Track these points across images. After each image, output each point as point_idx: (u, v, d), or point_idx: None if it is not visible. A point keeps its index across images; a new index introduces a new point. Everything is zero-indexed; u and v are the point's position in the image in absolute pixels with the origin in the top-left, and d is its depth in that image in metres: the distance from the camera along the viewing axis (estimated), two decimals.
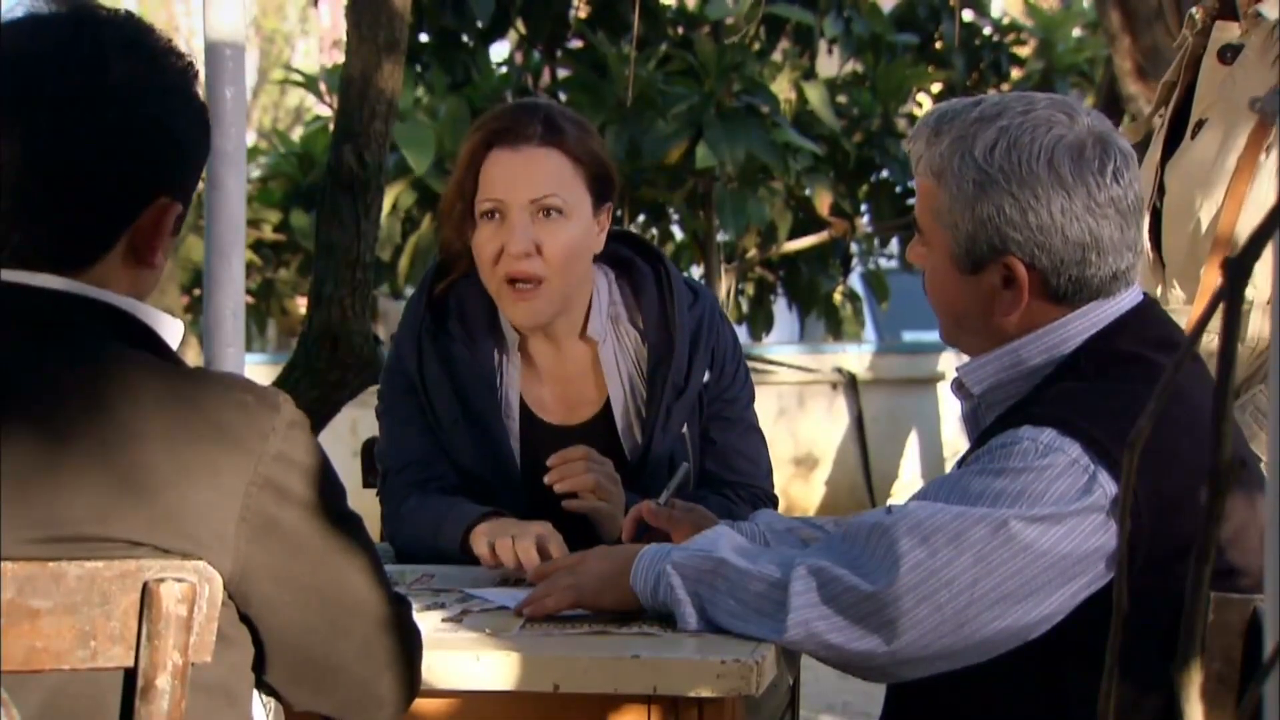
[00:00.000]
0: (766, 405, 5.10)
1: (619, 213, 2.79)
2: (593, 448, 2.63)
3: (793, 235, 8.93)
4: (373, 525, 2.05)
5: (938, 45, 9.84)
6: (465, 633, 2.09)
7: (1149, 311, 2.17)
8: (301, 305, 9.01)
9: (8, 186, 1.62)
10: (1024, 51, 10.23)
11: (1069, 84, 10.14)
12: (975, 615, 1.97)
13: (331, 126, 4.92)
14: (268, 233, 9.45)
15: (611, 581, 2.16)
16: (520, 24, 8.77)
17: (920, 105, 9.81)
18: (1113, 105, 7.69)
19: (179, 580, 1.56)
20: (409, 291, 7.45)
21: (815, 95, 8.62)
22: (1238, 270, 0.93)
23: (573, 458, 2.60)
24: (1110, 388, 2.05)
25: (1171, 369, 0.97)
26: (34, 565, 1.54)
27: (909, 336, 11.03)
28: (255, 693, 1.71)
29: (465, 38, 8.65)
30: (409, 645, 1.75)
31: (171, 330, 1.70)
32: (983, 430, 2.17)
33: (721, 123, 7.91)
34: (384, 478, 2.78)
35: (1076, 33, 10.58)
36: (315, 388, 4.22)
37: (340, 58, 4.99)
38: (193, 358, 4.99)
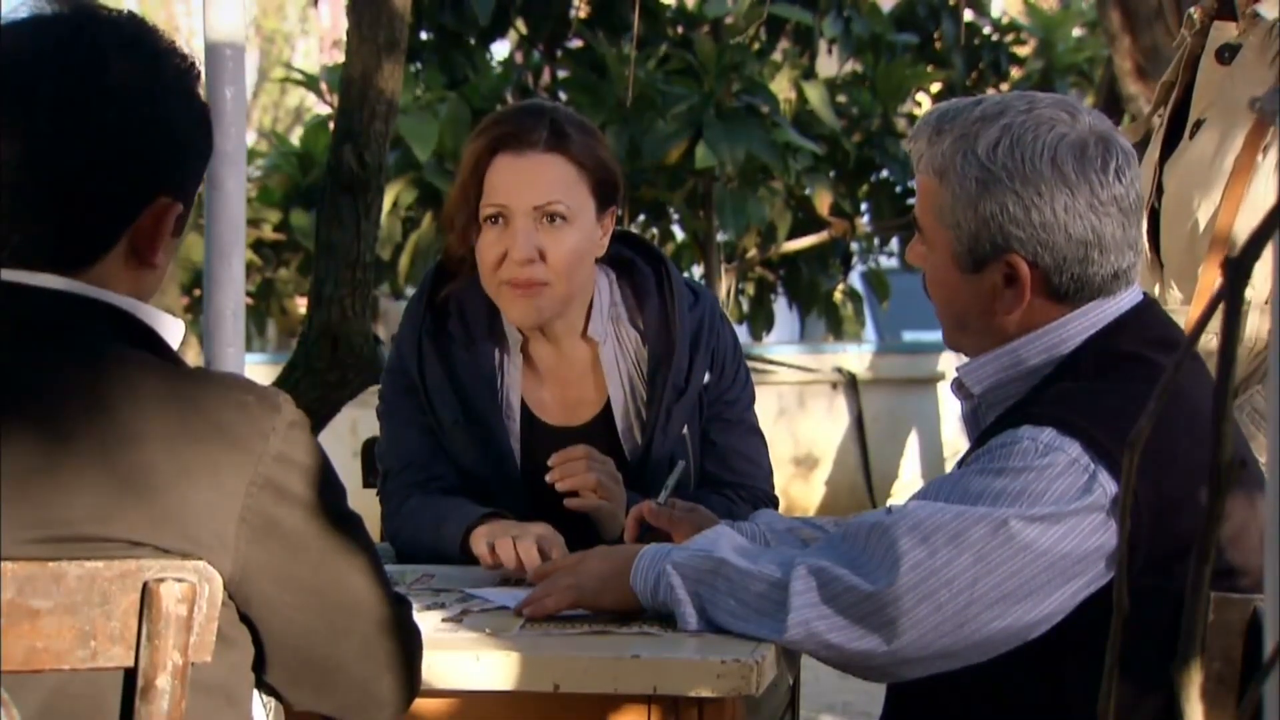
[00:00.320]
0: (766, 405, 5.10)
1: (619, 213, 2.79)
2: (593, 448, 2.63)
3: (793, 235, 8.93)
4: (373, 525, 2.05)
5: (937, 45, 9.84)
6: (465, 633, 2.09)
7: (1149, 311, 2.17)
8: (301, 305, 9.01)
9: (8, 186, 1.62)
10: (1024, 51, 10.24)
11: (1069, 84, 10.15)
12: (975, 615, 1.97)
13: (332, 126, 4.92)
14: (268, 232, 9.45)
15: (611, 581, 2.16)
16: (520, 24, 8.78)
17: (920, 105, 9.82)
18: (1113, 105, 7.69)
19: (179, 580, 1.56)
20: (409, 291, 7.47)
21: (815, 95, 8.62)
22: (1238, 270, 0.93)
23: (574, 457, 2.60)
24: (1110, 387, 2.05)
25: (1171, 369, 0.97)
26: (34, 565, 1.54)
27: (909, 336, 11.03)
28: (255, 693, 1.71)
29: (465, 37, 8.65)
30: (409, 645, 1.75)
31: (172, 330, 1.70)
32: (983, 430, 2.17)
33: (721, 123, 7.91)
34: (384, 478, 2.78)
35: (1076, 32, 10.58)
36: (315, 388, 4.22)
37: (340, 58, 5.00)
38: (193, 358, 4.98)
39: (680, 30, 8.94)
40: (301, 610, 1.65)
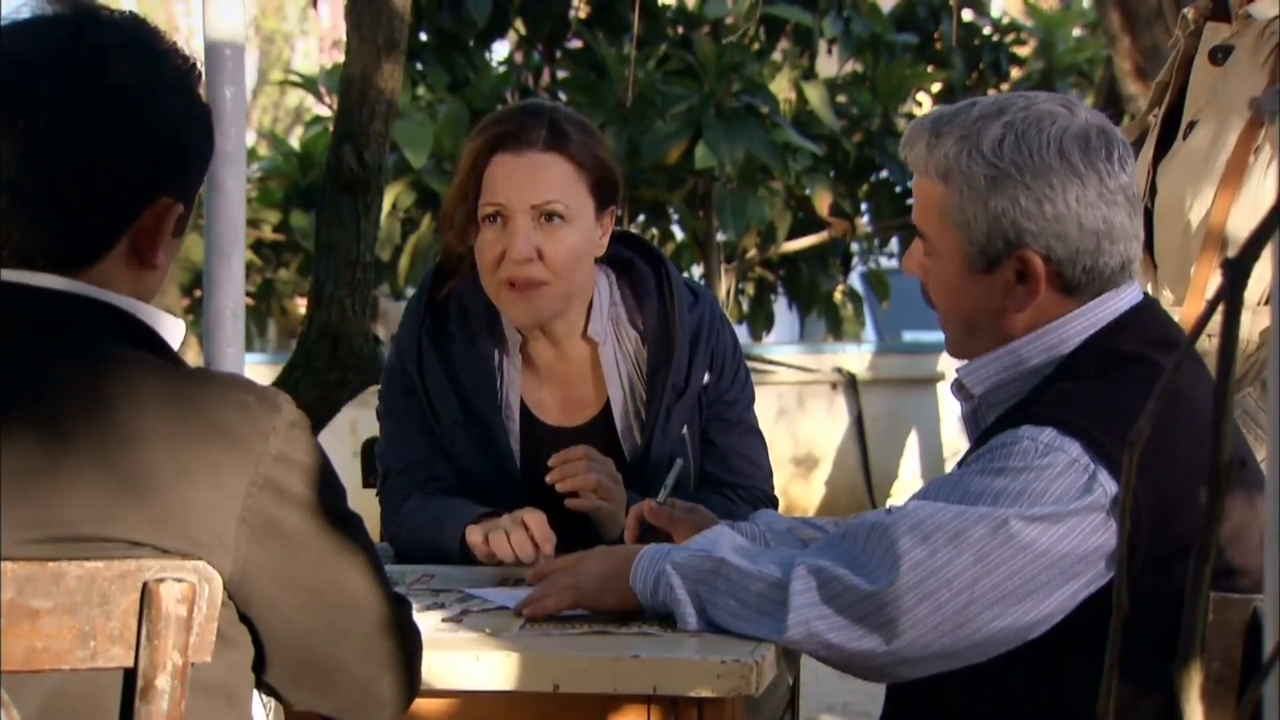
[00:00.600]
0: (766, 405, 5.11)
1: (619, 213, 2.79)
2: (593, 449, 2.63)
3: (792, 235, 8.93)
4: (373, 525, 2.05)
5: (937, 45, 9.84)
6: (465, 633, 2.09)
7: (1149, 311, 2.17)
8: (301, 305, 9.01)
9: (8, 185, 1.62)
10: (1024, 51, 10.24)
11: (1069, 84, 10.15)
12: (975, 615, 1.97)
13: (331, 127, 4.93)
14: (268, 233, 9.45)
15: (611, 581, 2.16)
16: (520, 24, 8.78)
17: (920, 105, 9.82)
18: (1113, 105, 7.69)
19: (179, 580, 1.56)
20: (409, 291, 7.47)
21: (815, 95, 8.63)
22: (1238, 270, 0.93)
23: (574, 457, 2.61)
24: (1110, 387, 2.05)
25: (1171, 369, 0.97)
26: (34, 565, 1.54)
27: (909, 336, 11.03)
28: (255, 693, 1.71)
29: (464, 38, 8.65)
30: (409, 645, 1.75)
31: (173, 330, 1.70)
32: (983, 430, 2.17)
33: (721, 123, 7.91)
34: (384, 478, 2.78)
35: (1076, 33, 10.58)
36: (315, 388, 4.22)
37: (340, 58, 5.00)
38: (193, 358, 4.99)
39: (680, 30, 8.94)
40: (301, 610, 1.65)
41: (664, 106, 7.97)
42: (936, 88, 9.78)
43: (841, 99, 9.12)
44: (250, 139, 13.13)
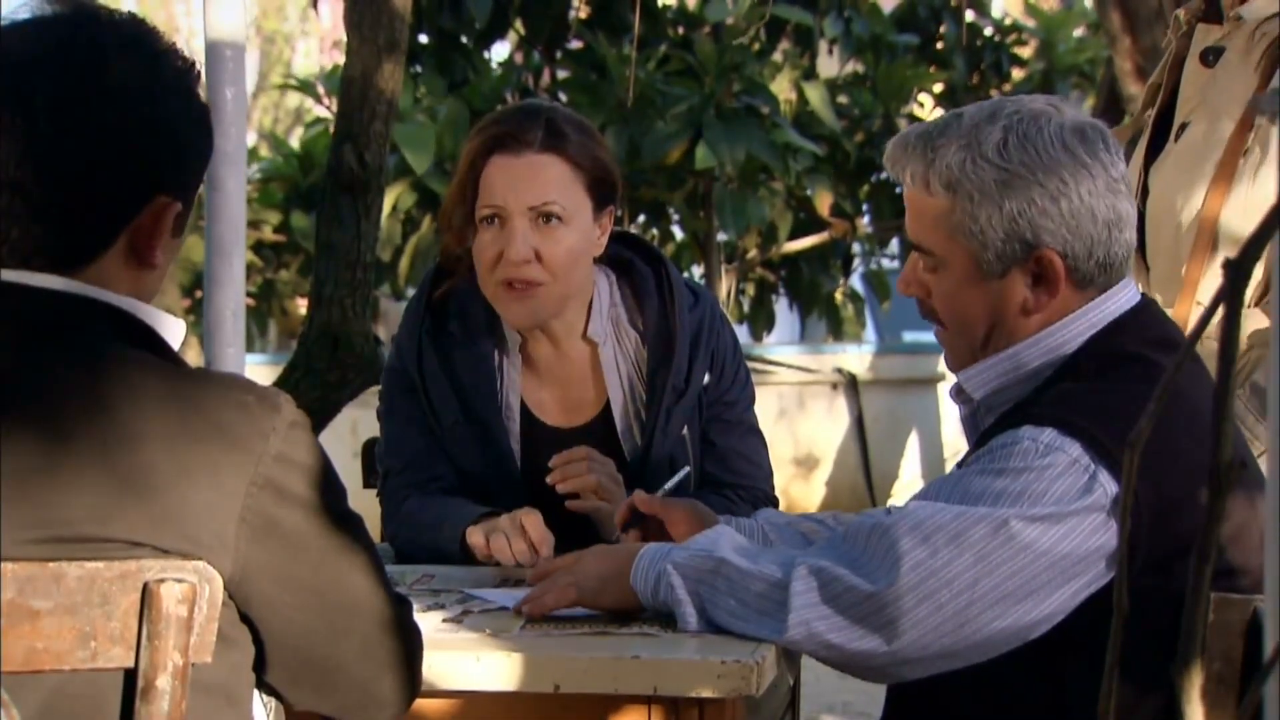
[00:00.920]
0: (767, 406, 5.11)
1: (619, 213, 2.79)
2: (594, 450, 2.63)
3: (793, 235, 8.93)
4: (373, 525, 2.05)
5: (939, 46, 9.84)
6: (466, 633, 2.09)
7: (1148, 311, 2.17)
8: (302, 306, 9.02)
9: (6, 184, 1.62)
10: (1025, 52, 10.23)
11: (1070, 84, 10.15)
12: (976, 615, 1.97)
13: (332, 128, 4.93)
14: (268, 233, 9.45)
15: (611, 581, 2.16)
16: (520, 25, 8.78)
17: (922, 105, 9.81)
18: (1113, 105, 7.70)
19: (179, 581, 1.56)
20: (409, 292, 7.47)
21: (815, 95, 8.62)
22: (1239, 271, 0.93)
23: (575, 458, 2.61)
24: (1110, 387, 2.05)
25: (1172, 369, 0.97)
26: (34, 566, 1.54)
27: (909, 337, 11.03)
28: (256, 693, 1.71)
29: (464, 39, 8.65)
30: (410, 646, 1.75)
31: (173, 330, 1.69)
32: (982, 431, 2.17)
33: (721, 123, 7.91)
34: (384, 478, 2.79)
35: (1078, 33, 10.58)
36: (316, 388, 4.22)
37: (340, 58, 5.00)
38: (193, 358, 4.98)
39: (680, 31, 8.94)
40: (302, 610, 1.65)
41: (664, 107, 7.96)
42: (938, 88, 9.78)
43: (842, 99, 9.12)
44: (251, 139, 13.14)
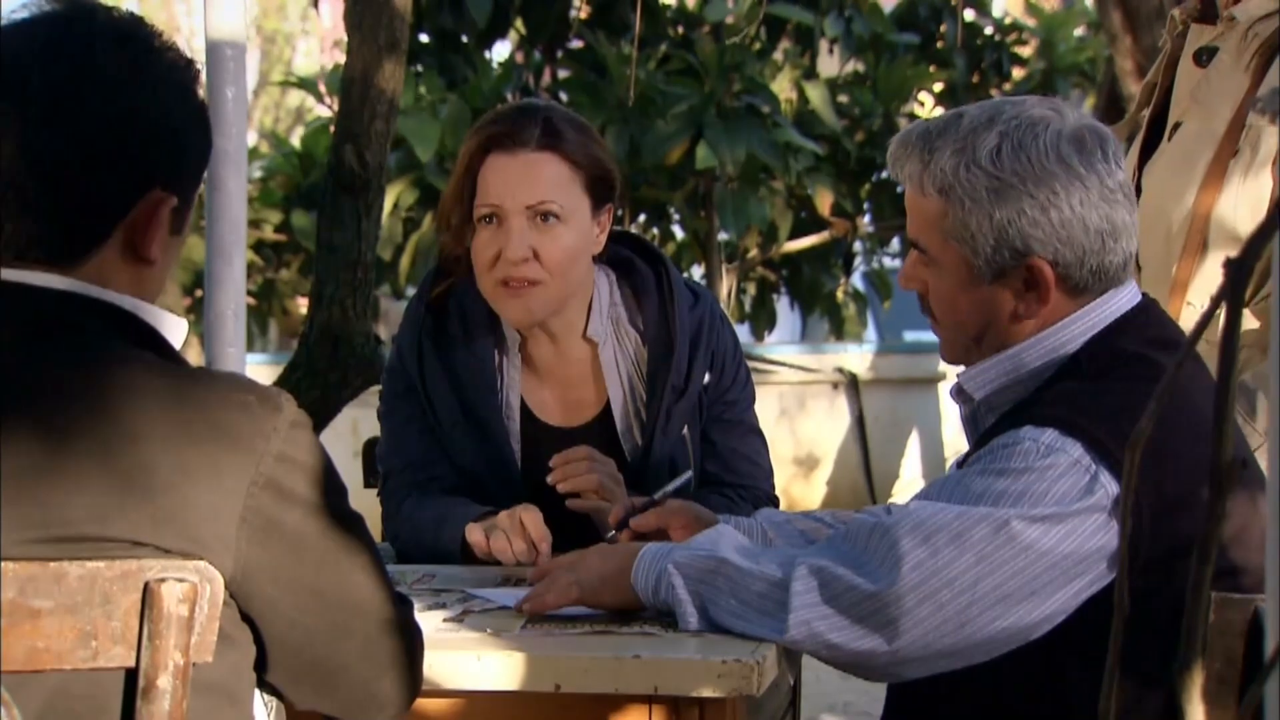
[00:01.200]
0: (768, 405, 5.11)
1: (619, 213, 2.79)
2: (594, 449, 2.63)
3: (794, 235, 8.93)
4: (373, 525, 2.05)
5: (939, 45, 9.84)
6: (466, 633, 2.09)
7: (1148, 311, 2.17)
8: (303, 306, 9.01)
9: (2, 176, 1.62)
10: (1025, 51, 10.23)
11: (1070, 84, 10.15)
12: (977, 615, 1.97)
13: (332, 127, 4.93)
14: (269, 233, 9.45)
15: (612, 580, 2.16)
16: (520, 24, 8.78)
17: (922, 104, 9.81)
18: (1113, 105, 7.70)
19: (180, 580, 1.56)
20: (410, 291, 7.47)
21: (816, 95, 8.63)
22: (1239, 270, 0.93)
23: (575, 457, 2.61)
24: (1111, 388, 2.05)
25: (1172, 369, 0.97)
26: (35, 565, 1.54)
27: (910, 336, 11.03)
28: (257, 692, 1.71)
29: (464, 38, 8.65)
30: (411, 645, 1.75)
31: (175, 329, 1.69)
32: (984, 431, 2.17)
33: (722, 123, 7.91)
34: (384, 478, 2.79)
35: (1078, 32, 10.58)
36: (316, 388, 4.23)
37: (341, 58, 5.00)
38: (194, 358, 4.99)
39: (681, 30, 8.94)
40: (303, 610, 1.65)
41: (665, 106, 7.97)
42: (938, 87, 9.78)
43: (843, 99, 9.13)
44: (251, 139, 13.14)
